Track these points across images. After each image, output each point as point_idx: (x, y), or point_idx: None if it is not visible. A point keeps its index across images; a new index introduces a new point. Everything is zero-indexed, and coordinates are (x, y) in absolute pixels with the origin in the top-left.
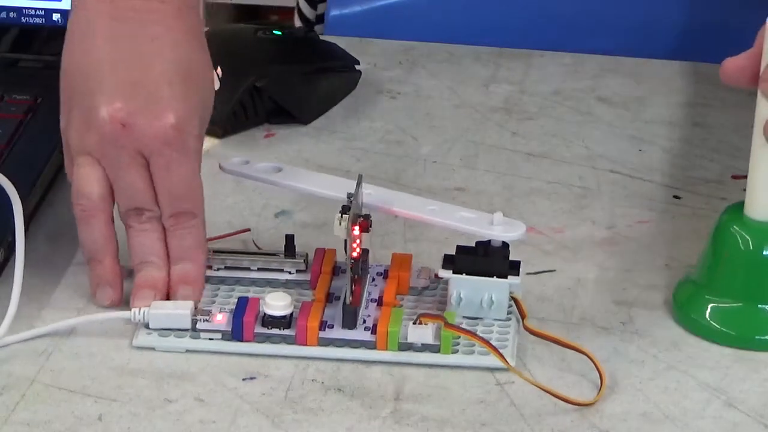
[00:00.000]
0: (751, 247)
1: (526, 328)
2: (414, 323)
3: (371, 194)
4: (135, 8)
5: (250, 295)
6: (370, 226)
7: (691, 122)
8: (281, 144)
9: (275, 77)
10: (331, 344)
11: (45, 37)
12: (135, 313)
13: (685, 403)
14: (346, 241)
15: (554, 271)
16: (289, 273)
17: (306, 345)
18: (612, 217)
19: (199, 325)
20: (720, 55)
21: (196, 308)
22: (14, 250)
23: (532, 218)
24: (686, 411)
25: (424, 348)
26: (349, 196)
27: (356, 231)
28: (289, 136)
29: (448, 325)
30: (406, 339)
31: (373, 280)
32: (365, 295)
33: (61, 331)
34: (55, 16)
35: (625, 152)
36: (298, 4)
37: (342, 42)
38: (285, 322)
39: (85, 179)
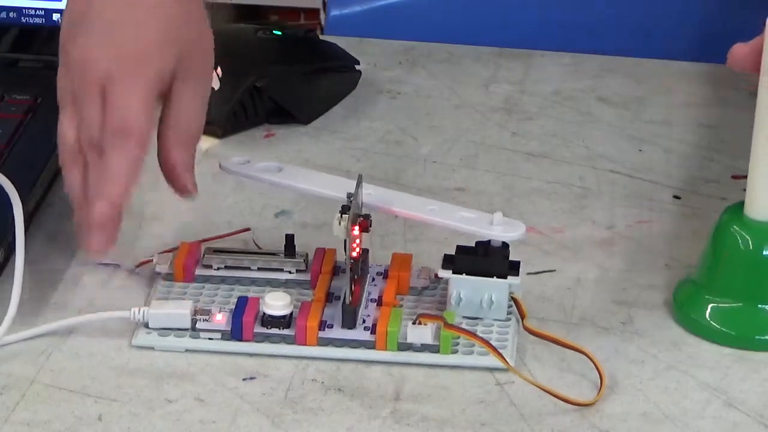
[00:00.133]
0: (751, 247)
1: (526, 328)
2: (413, 323)
3: (371, 194)
4: None
5: (249, 294)
6: (370, 226)
7: (691, 122)
8: (281, 144)
9: (275, 77)
10: (330, 344)
11: (45, 37)
12: (134, 312)
13: (685, 403)
14: (346, 241)
15: (554, 271)
16: (289, 273)
17: (306, 345)
18: (612, 217)
19: (198, 325)
20: (720, 55)
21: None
22: (14, 250)
23: (532, 218)
24: (686, 411)
25: (424, 348)
26: (349, 196)
27: (356, 231)
28: (289, 136)
29: (447, 325)
30: (406, 339)
31: (373, 280)
32: (365, 295)
33: (61, 331)
34: (55, 16)
35: (625, 152)
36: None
37: (342, 42)
38: (285, 321)
39: (62, 126)
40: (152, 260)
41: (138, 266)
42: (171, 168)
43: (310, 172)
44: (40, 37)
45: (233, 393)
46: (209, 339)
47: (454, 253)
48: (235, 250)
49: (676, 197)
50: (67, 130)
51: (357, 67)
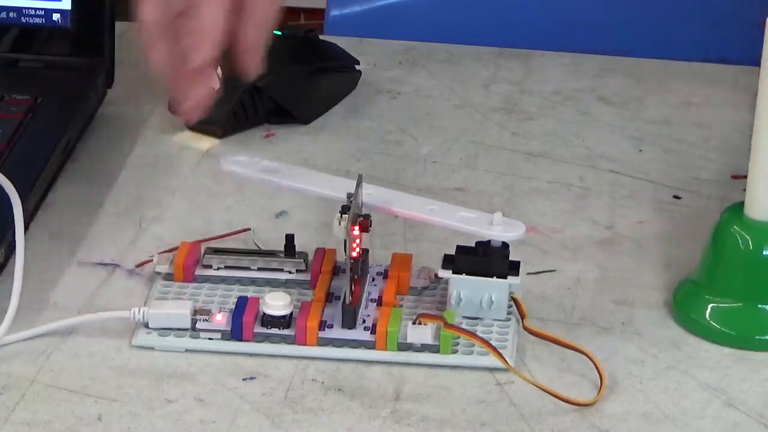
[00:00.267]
0: (751, 247)
1: (526, 328)
2: (413, 323)
3: (371, 194)
4: None
5: (249, 294)
6: (370, 226)
7: (691, 122)
8: (281, 144)
9: (275, 77)
10: (330, 344)
11: (45, 37)
12: (134, 312)
13: (685, 403)
14: (346, 241)
15: (554, 271)
16: (289, 273)
17: (306, 345)
18: (612, 217)
19: (198, 325)
20: (720, 55)
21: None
22: (14, 250)
23: (532, 218)
24: (686, 411)
25: (424, 348)
26: (349, 196)
27: (356, 231)
28: (289, 136)
29: (447, 325)
30: (406, 339)
31: (373, 280)
32: (365, 295)
33: (61, 331)
34: (55, 16)
35: (625, 152)
36: None
37: (342, 42)
38: (284, 321)
39: (143, 11)
40: (152, 260)
41: (138, 266)
42: (246, 48)
43: (310, 172)
44: (40, 37)
45: (233, 393)
46: (209, 339)
47: (454, 253)
48: (235, 250)
49: (676, 197)
50: (150, 11)
51: (357, 67)
